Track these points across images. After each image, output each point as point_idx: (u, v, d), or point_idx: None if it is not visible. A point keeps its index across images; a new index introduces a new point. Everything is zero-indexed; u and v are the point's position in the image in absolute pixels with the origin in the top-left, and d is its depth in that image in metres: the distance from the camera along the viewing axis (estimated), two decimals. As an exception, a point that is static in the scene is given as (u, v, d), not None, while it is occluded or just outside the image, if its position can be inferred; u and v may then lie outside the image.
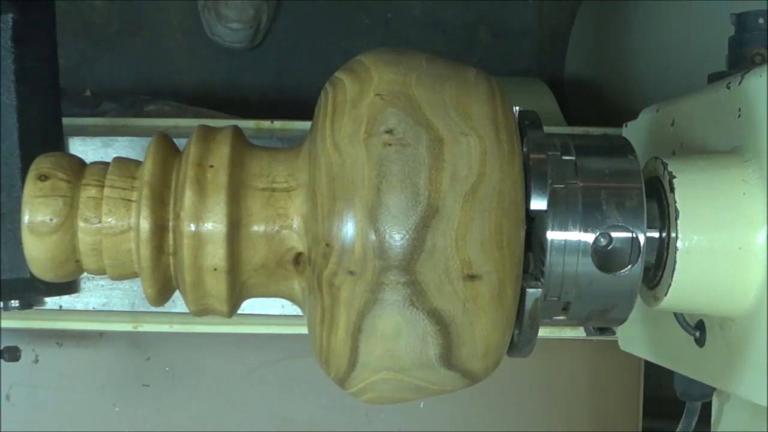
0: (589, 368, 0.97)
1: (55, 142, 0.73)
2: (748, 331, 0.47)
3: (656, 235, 0.49)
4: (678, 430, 0.66)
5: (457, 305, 0.42)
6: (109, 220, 0.45)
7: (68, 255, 0.46)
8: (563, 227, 0.46)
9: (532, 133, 0.46)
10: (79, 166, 0.47)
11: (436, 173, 0.41)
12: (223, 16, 1.29)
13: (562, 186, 0.46)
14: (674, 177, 0.48)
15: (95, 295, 0.80)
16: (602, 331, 0.59)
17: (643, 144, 0.63)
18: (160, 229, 0.44)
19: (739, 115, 0.49)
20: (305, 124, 0.83)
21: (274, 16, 1.36)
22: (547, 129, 0.47)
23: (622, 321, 0.50)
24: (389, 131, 0.42)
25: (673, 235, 0.47)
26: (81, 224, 0.45)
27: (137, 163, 0.47)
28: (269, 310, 0.80)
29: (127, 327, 0.83)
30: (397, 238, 0.41)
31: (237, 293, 0.47)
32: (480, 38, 1.44)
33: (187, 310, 0.47)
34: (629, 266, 0.47)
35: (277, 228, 0.45)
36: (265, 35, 1.37)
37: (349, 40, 1.36)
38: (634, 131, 0.65)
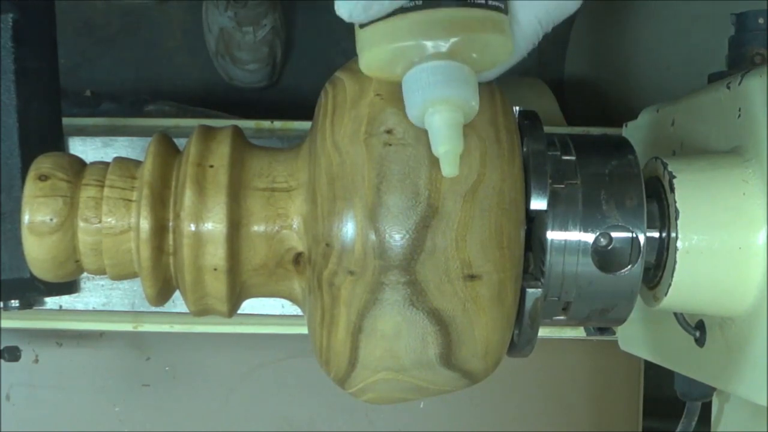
0: (589, 368, 0.97)
1: (55, 142, 0.73)
2: (748, 331, 0.47)
3: (656, 235, 0.49)
4: (678, 430, 0.66)
5: (457, 305, 0.42)
6: (109, 220, 0.45)
7: (68, 255, 0.46)
8: (563, 227, 0.46)
9: (532, 133, 0.46)
10: (79, 166, 0.47)
11: (436, 173, 0.41)
12: (237, 60, 1.28)
13: (562, 186, 0.46)
14: (674, 177, 0.48)
15: (95, 295, 0.80)
16: (602, 331, 0.59)
17: (643, 144, 0.63)
18: (160, 229, 0.44)
19: (739, 115, 0.49)
20: (305, 124, 0.83)
21: (286, 49, 1.35)
22: (547, 129, 0.47)
23: (622, 321, 0.50)
24: (389, 131, 0.42)
25: (673, 235, 0.48)
26: (81, 224, 0.45)
27: (137, 163, 0.47)
28: (269, 310, 0.80)
29: (127, 327, 0.83)
30: (397, 238, 0.41)
31: (237, 293, 0.47)
32: (480, 38, 1.44)
33: (187, 310, 0.47)
34: (629, 266, 0.47)
35: (277, 228, 0.45)
36: (281, 70, 1.35)
37: (349, 40, 1.35)
38: (634, 131, 0.65)
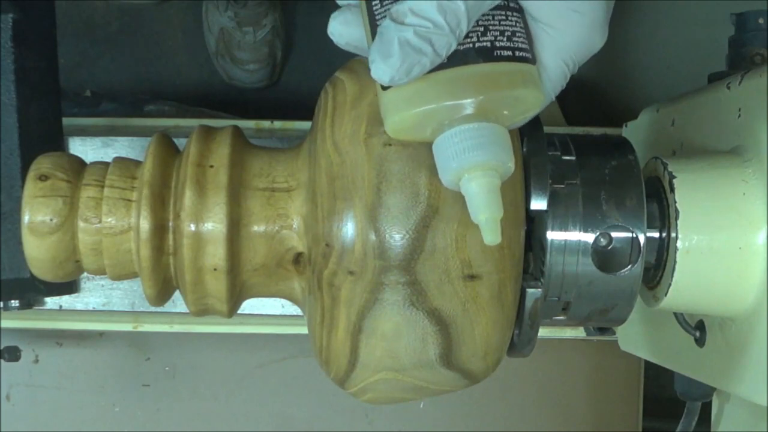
0: (589, 368, 0.97)
1: (55, 142, 0.73)
2: (748, 331, 0.47)
3: (656, 235, 0.49)
4: (678, 430, 0.66)
5: (457, 305, 0.42)
6: (109, 220, 0.45)
7: (68, 255, 0.46)
8: (563, 227, 0.46)
9: (531, 133, 0.46)
10: (79, 166, 0.47)
11: (436, 173, 0.41)
12: (237, 60, 1.28)
13: (562, 186, 0.46)
14: (674, 177, 0.48)
15: (95, 295, 0.81)
16: (602, 331, 0.59)
17: (643, 144, 0.63)
18: (160, 229, 0.44)
19: (739, 115, 0.49)
20: (305, 124, 0.83)
21: (287, 49, 1.35)
22: (547, 129, 0.47)
23: (622, 321, 0.50)
24: (389, 131, 0.42)
25: (673, 235, 0.47)
26: (81, 224, 0.45)
27: (137, 163, 0.47)
28: (269, 310, 0.80)
29: (127, 327, 0.83)
30: (397, 238, 0.41)
31: (237, 293, 0.47)
32: (480, 38, 1.43)
33: (187, 310, 0.47)
34: (629, 266, 0.47)
35: (277, 228, 0.45)
36: (281, 70, 1.35)
37: (349, 41, 1.34)
38: (634, 131, 0.65)
